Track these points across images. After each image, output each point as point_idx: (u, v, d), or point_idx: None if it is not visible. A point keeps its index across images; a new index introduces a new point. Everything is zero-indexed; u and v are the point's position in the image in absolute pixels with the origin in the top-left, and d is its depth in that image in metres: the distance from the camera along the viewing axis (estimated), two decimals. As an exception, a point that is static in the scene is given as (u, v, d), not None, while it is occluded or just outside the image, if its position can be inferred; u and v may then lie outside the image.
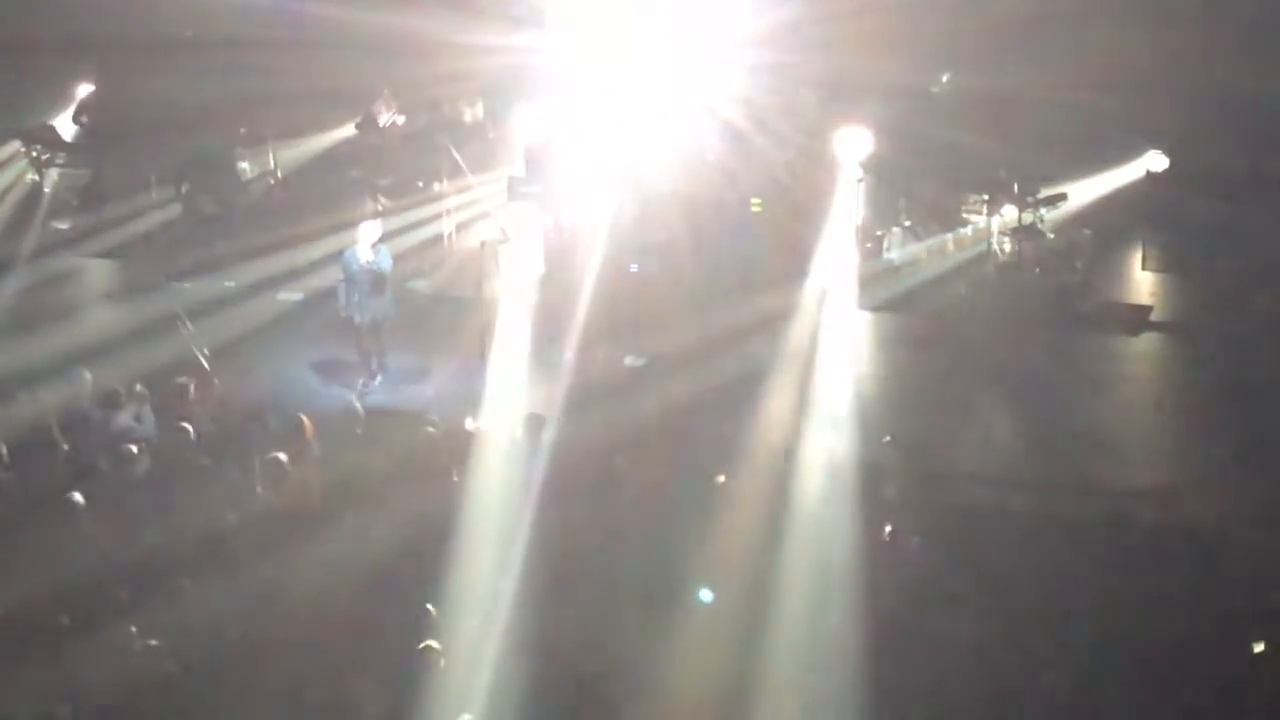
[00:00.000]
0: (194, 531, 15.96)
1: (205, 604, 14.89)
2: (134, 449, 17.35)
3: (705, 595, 15.55)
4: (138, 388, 18.53)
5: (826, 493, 17.14)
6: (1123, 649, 14.62)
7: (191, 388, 19.05)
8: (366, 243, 21.07)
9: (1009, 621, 15.00)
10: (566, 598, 15.20)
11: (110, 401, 18.33)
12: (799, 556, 15.96)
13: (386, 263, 21.08)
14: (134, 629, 14.38)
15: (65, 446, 17.76)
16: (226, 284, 23.92)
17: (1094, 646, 14.68)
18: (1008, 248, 24.40)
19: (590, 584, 15.45)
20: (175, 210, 26.92)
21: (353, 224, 22.30)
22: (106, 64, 29.03)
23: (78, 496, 16.23)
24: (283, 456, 16.92)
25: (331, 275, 22.39)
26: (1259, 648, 14.57)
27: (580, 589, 15.36)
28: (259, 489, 16.76)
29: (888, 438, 18.22)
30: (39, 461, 17.52)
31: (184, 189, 26.90)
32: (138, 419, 18.25)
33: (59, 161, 28.11)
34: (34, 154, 28.04)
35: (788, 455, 17.82)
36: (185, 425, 17.94)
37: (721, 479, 16.99)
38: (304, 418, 17.90)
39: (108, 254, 25.88)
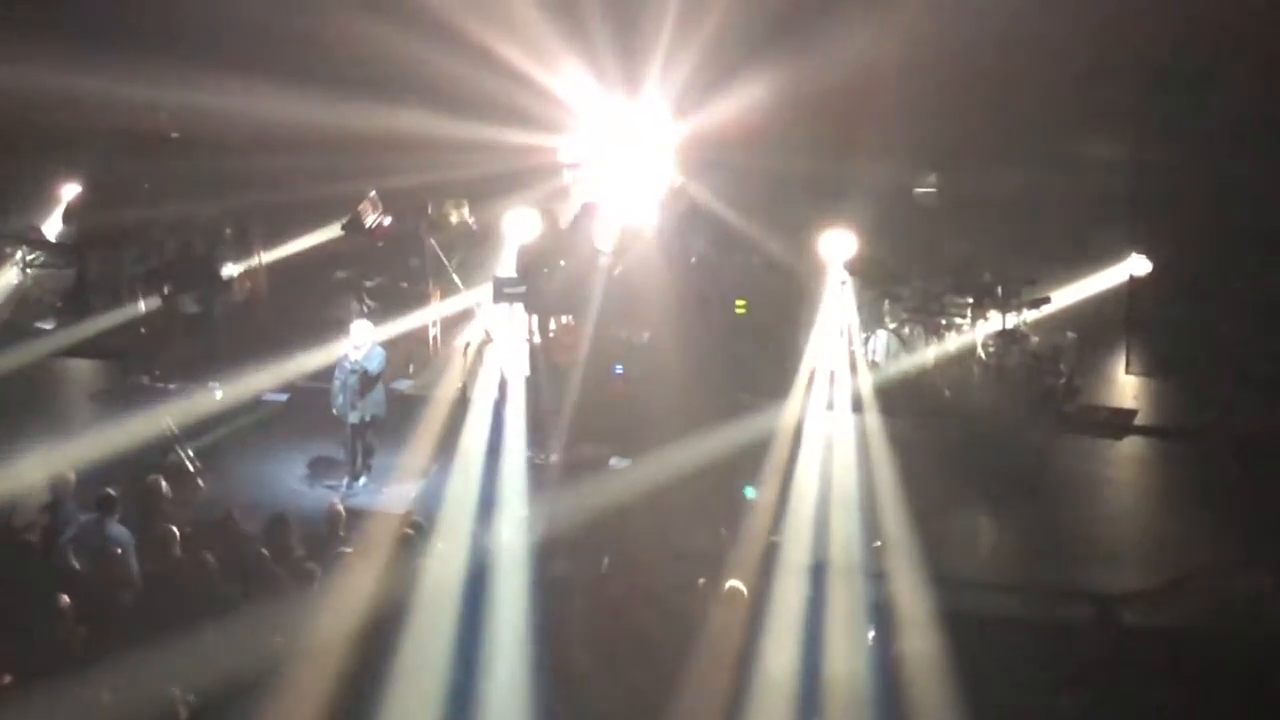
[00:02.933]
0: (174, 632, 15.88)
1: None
2: (119, 550, 17.31)
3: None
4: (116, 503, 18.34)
5: (812, 596, 17.06)
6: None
7: (165, 486, 18.96)
8: (357, 343, 21.14)
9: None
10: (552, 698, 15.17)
11: (103, 505, 18.11)
12: (783, 660, 15.89)
13: (374, 363, 21.10)
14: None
15: (37, 545, 17.65)
16: (211, 385, 23.83)
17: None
18: (992, 350, 24.43)
19: (577, 684, 15.41)
20: (159, 311, 26.86)
21: (339, 325, 22.32)
22: (93, 165, 29.09)
23: (64, 598, 16.15)
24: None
25: (316, 376, 22.41)
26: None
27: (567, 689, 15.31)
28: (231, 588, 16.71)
29: (877, 543, 18.17)
30: (12, 561, 17.42)
31: (166, 290, 26.85)
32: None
33: (43, 262, 28.08)
34: (19, 255, 28.01)
35: (773, 558, 17.76)
36: (172, 529, 17.87)
37: (702, 581, 16.93)
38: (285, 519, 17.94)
39: (92, 355, 25.83)
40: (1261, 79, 25.62)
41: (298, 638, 15.54)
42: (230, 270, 27.24)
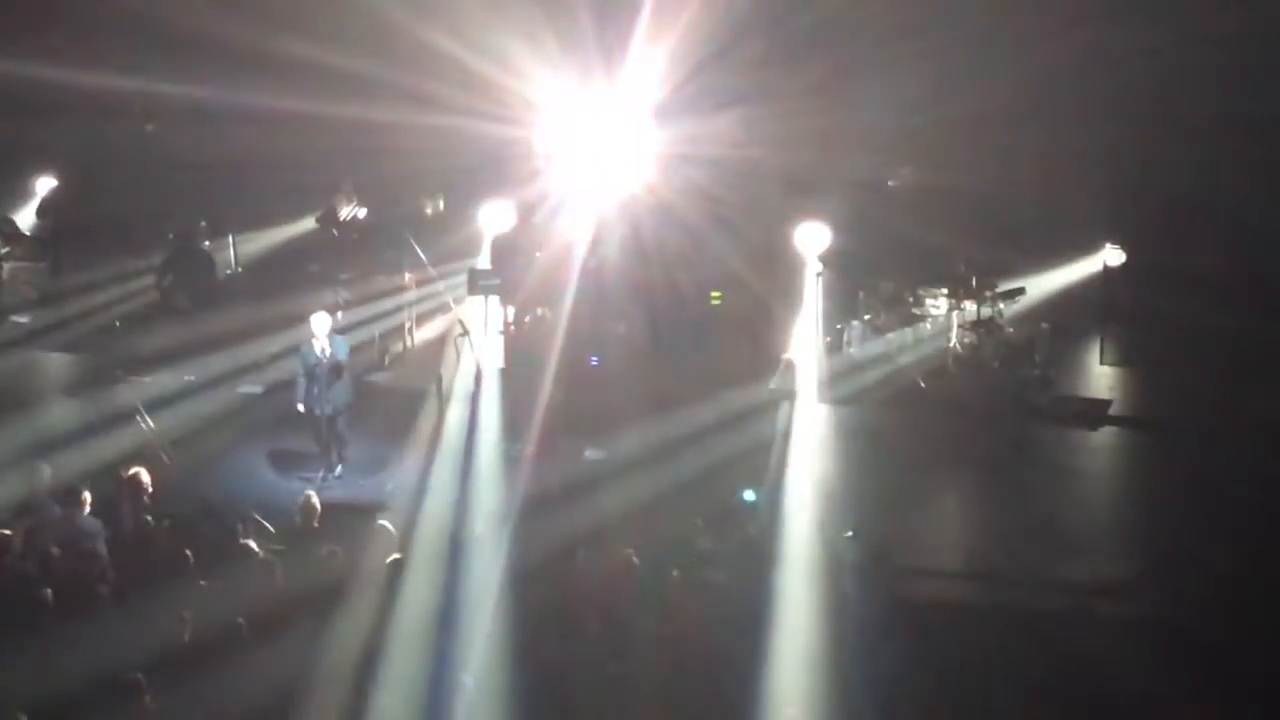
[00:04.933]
0: (154, 630, 15.81)
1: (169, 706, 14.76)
2: (94, 545, 17.25)
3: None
4: (85, 495, 18.26)
5: (787, 588, 17.07)
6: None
7: (148, 480, 18.90)
8: (321, 334, 21.03)
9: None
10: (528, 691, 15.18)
11: (71, 497, 18.06)
12: (757, 651, 15.90)
13: (343, 353, 21.05)
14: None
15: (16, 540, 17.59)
16: (186, 378, 23.80)
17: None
18: (966, 341, 24.50)
19: (552, 677, 15.41)
20: (134, 303, 26.85)
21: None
22: (68, 159, 29.06)
23: (47, 592, 16.10)
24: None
25: (291, 368, 22.38)
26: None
27: (542, 683, 15.31)
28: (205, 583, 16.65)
29: (849, 533, 18.19)
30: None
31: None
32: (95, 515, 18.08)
33: (18, 255, 28.04)
34: (-6, 248, 28.01)
35: (748, 549, 17.76)
36: (147, 518, 17.84)
37: (676, 573, 16.92)
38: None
39: (67, 348, 25.77)
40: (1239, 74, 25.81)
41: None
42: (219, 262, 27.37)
